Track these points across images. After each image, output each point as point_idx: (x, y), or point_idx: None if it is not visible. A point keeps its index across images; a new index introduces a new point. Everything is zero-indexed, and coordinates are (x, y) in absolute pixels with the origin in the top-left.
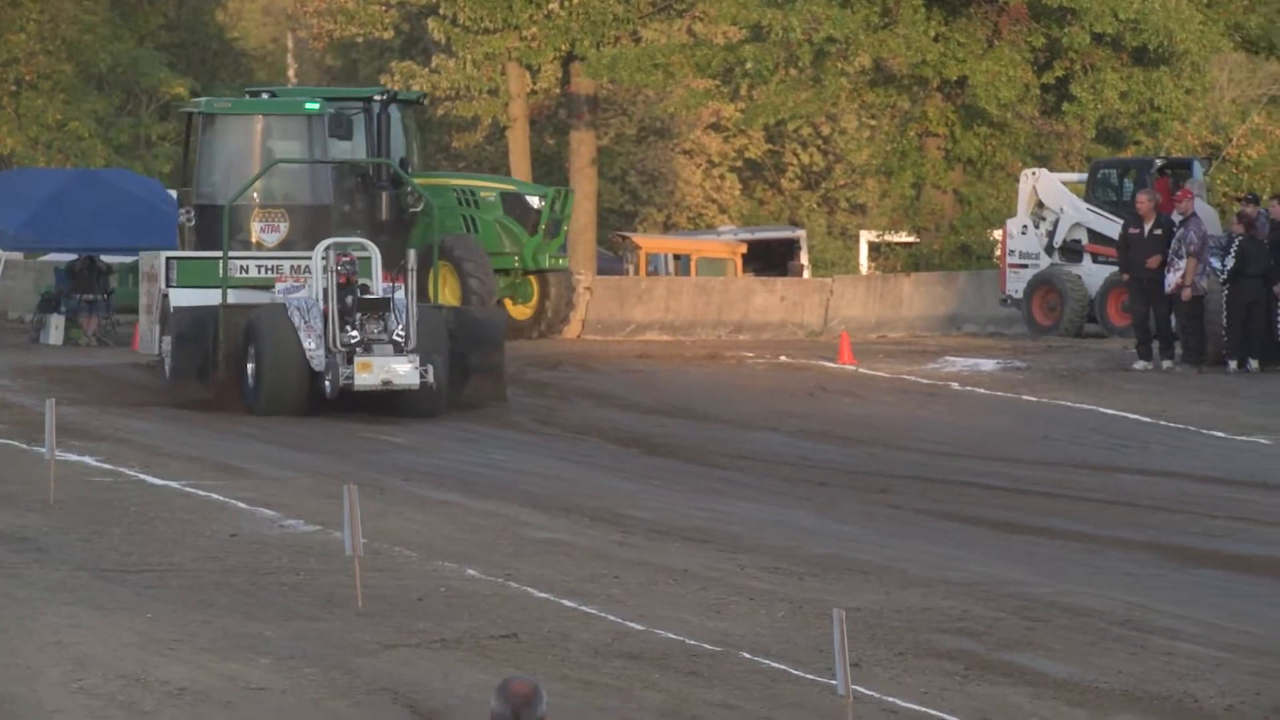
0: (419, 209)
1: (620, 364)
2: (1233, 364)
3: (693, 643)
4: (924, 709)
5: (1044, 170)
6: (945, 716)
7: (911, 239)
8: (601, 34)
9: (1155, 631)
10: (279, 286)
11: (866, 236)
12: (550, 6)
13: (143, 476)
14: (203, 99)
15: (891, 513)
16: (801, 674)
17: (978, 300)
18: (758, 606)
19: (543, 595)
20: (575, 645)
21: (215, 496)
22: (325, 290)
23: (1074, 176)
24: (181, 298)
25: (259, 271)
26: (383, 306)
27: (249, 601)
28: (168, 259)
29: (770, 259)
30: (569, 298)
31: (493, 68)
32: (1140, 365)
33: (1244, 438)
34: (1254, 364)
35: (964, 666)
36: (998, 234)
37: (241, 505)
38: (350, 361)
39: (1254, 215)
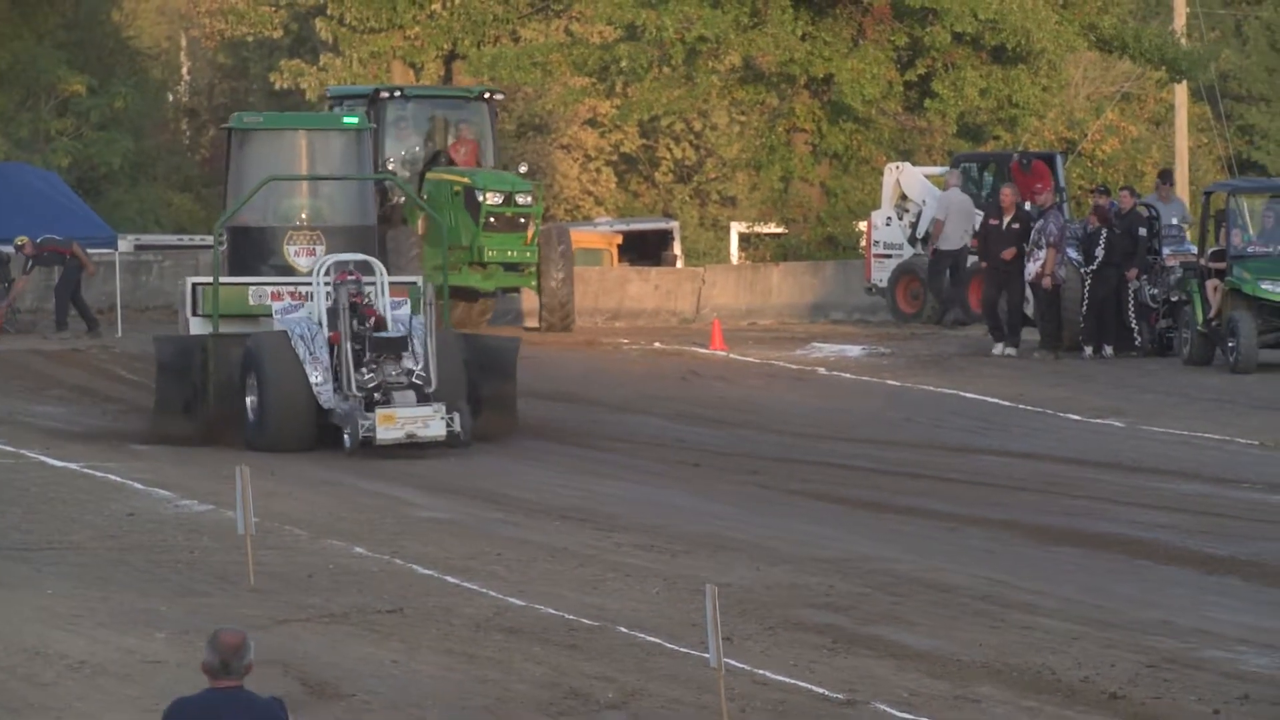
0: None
1: None
2: (1089, 350)
3: (571, 617)
4: (793, 680)
5: (907, 164)
6: (813, 688)
7: (780, 230)
8: (482, 34)
9: (1014, 606)
10: (275, 307)
11: (737, 228)
12: (433, 7)
13: (43, 458)
14: (236, 114)
15: (762, 492)
16: (675, 647)
17: (844, 289)
18: (633, 583)
19: (427, 572)
20: (458, 620)
21: (113, 478)
22: (333, 316)
23: (936, 170)
24: (199, 328)
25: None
26: (400, 346)
27: (145, 578)
28: (198, 285)
29: (645, 249)
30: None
31: (378, 66)
32: (999, 350)
33: (1099, 420)
34: (1109, 350)
35: (831, 640)
36: (863, 225)
37: (138, 486)
38: (368, 409)
39: (1105, 206)
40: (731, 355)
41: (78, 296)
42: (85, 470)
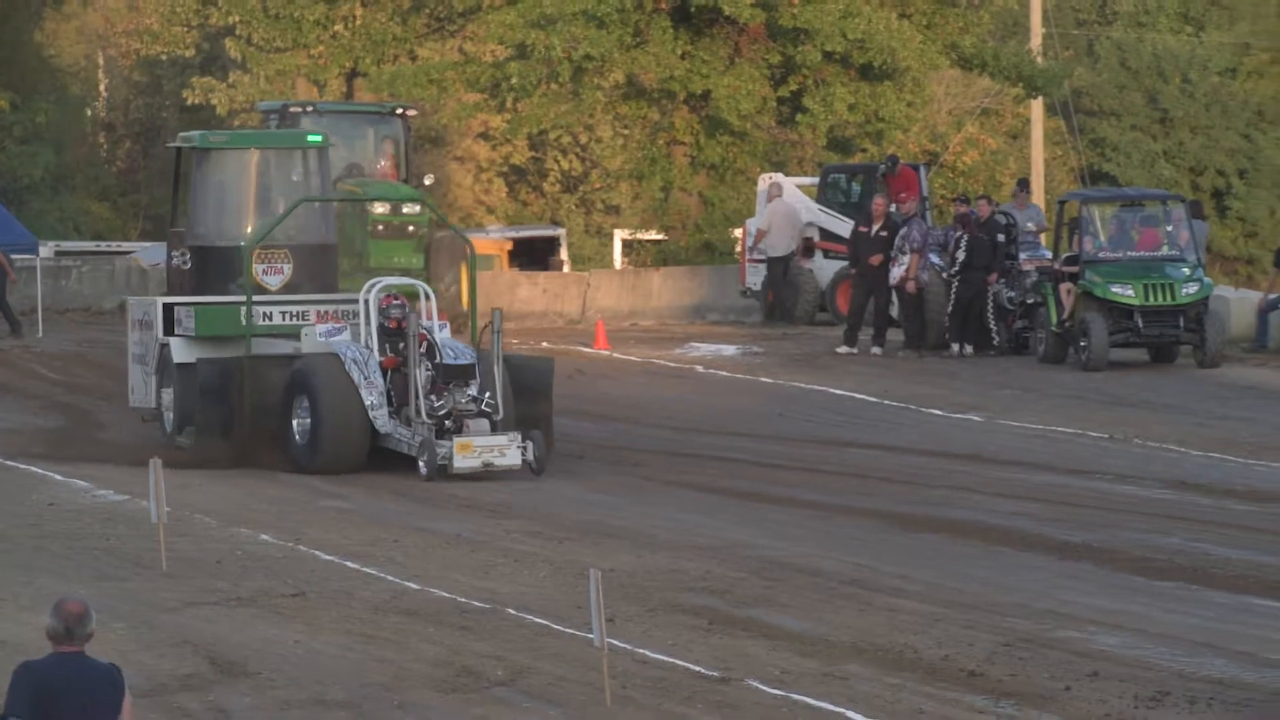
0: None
1: None
2: (955, 348)
3: (464, 600)
4: (672, 659)
5: (780, 175)
6: (691, 666)
7: (660, 237)
8: (382, 52)
9: (880, 590)
10: (319, 329)
11: (620, 234)
12: (336, 28)
13: None
14: (195, 133)
15: (643, 483)
16: (562, 628)
17: (720, 292)
18: (522, 568)
19: (329, 558)
20: (358, 603)
21: (35, 469)
22: (385, 343)
23: (807, 180)
24: (180, 349)
25: (284, 318)
26: (468, 373)
27: (65, 564)
28: (171, 305)
29: (533, 255)
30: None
31: (284, 83)
32: (843, 350)
33: (960, 415)
34: (969, 349)
35: (708, 621)
36: (738, 232)
37: (58, 477)
38: (439, 436)
39: (969, 214)
40: (615, 354)
41: (2, 300)
42: (8, 463)
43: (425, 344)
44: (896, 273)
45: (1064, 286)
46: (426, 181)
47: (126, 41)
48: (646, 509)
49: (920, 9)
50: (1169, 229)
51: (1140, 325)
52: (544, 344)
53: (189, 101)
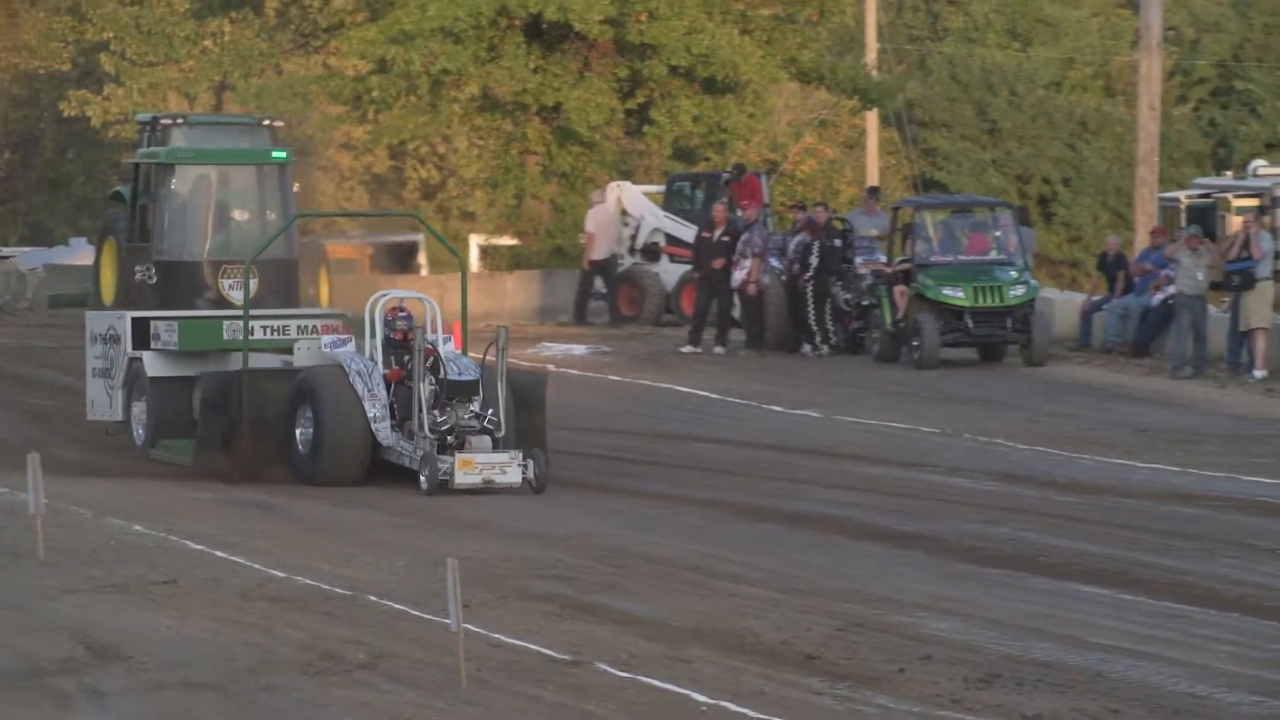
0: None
1: None
2: (808, 347)
3: (327, 587)
4: (524, 643)
5: (627, 183)
6: (542, 649)
7: (514, 242)
8: (249, 67)
9: (722, 576)
10: (324, 340)
11: (476, 240)
12: (205, 44)
13: None
14: (161, 149)
15: None
16: (420, 614)
17: (570, 294)
18: (382, 557)
19: (199, 547)
20: (226, 590)
21: None
22: (390, 355)
23: (653, 188)
24: (154, 363)
25: (264, 333)
26: (472, 389)
27: None
28: (143, 320)
29: (393, 260)
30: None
31: (156, 96)
32: (688, 349)
33: (799, 411)
34: (825, 348)
35: (558, 607)
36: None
37: None
38: (440, 451)
39: (802, 220)
40: (471, 354)
41: None
42: None
43: (431, 358)
44: (738, 276)
45: (898, 289)
46: (294, 189)
47: (5, 56)
48: (500, 501)
49: (761, 25)
50: (997, 234)
51: (970, 325)
52: None
53: (65, 113)
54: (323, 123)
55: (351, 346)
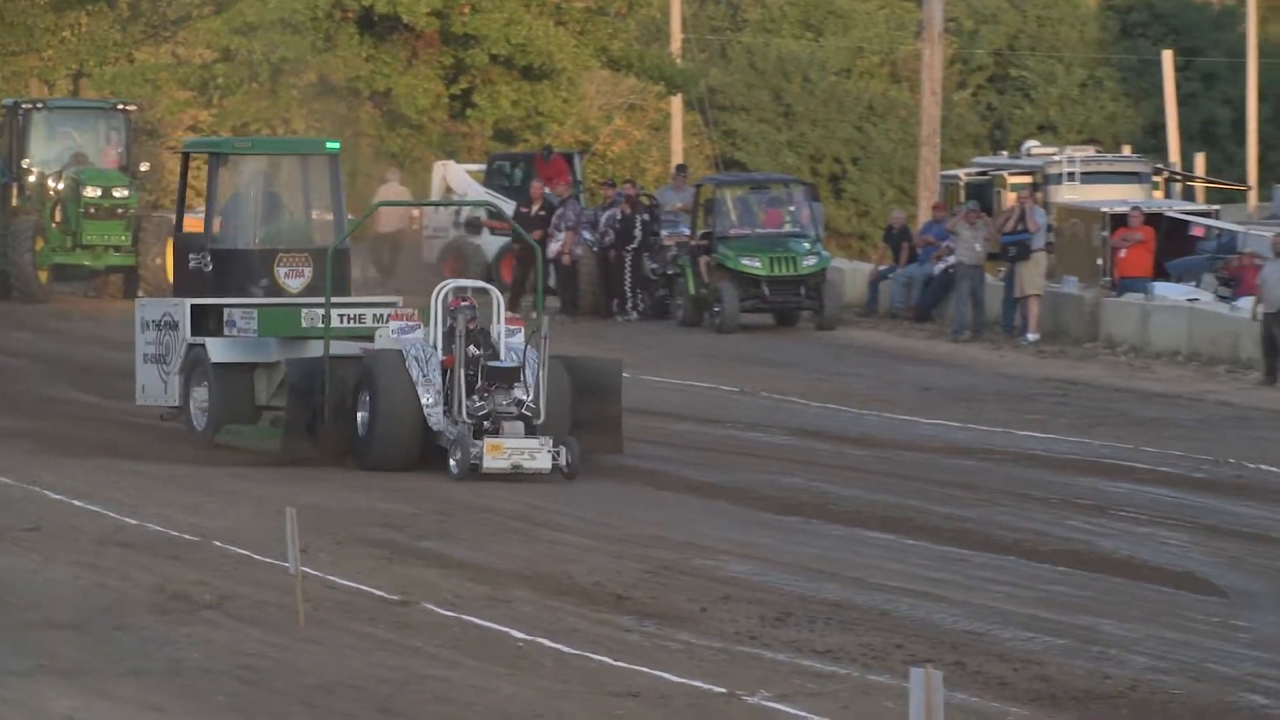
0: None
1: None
2: (624, 311)
3: (176, 534)
4: (358, 585)
5: (452, 162)
6: (375, 590)
7: (350, 217)
8: (104, 55)
9: (543, 525)
10: (392, 326)
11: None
12: (64, 34)
13: None
14: (216, 139)
15: None
16: (262, 558)
17: (401, 263)
18: (227, 505)
19: (58, 496)
20: (84, 536)
21: None
22: (451, 345)
23: (476, 167)
24: (218, 348)
25: (341, 321)
26: (513, 376)
27: None
28: (201, 306)
29: None
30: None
31: (19, 83)
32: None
33: None
34: (634, 314)
35: (389, 552)
36: (416, 213)
37: None
38: (477, 436)
39: (612, 197)
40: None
41: None
42: None
43: (488, 348)
44: (553, 248)
45: (701, 259)
46: (143, 168)
47: None
48: (338, 457)
49: (575, 17)
50: (791, 209)
51: (767, 293)
52: None
53: None
54: (171, 107)
55: (419, 333)
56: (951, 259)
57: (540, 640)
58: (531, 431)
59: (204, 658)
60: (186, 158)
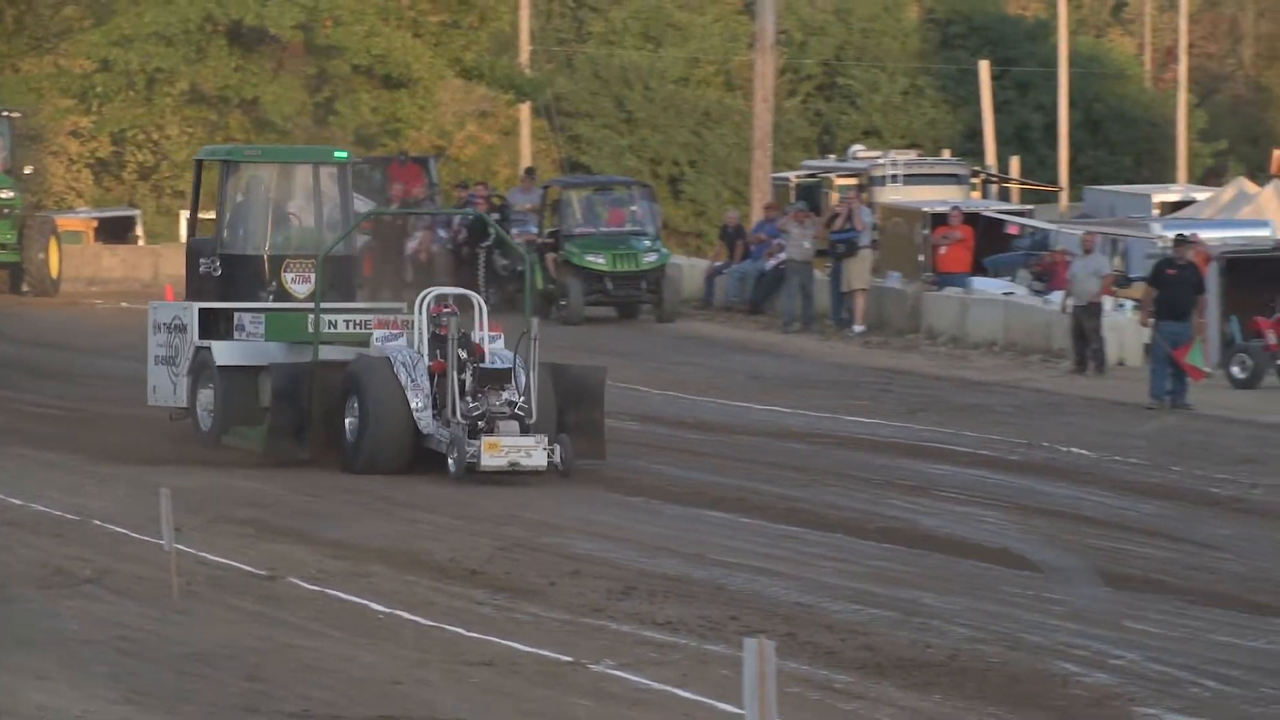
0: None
1: None
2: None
3: (58, 514)
4: (228, 561)
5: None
6: (243, 566)
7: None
8: None
9: (403, 505)
10: (377, 334)
11: (185, 215)
12: None
13: None
14: (224, 146)
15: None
16: (139, 536)
17: None
18: (106, 486)
19: None
20: None
21: None
22: (436, 349)
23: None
24: (224, 351)
25: (346, 326)
26: (504, 378)
27: None
28: (208, 310)
29: (115, 231)
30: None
31: None
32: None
33: None
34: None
35: (258, 530)
36: None
37: None
38: (472, 436)
39: (465, 199)
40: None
41: None
42: None
43: (480, 353)
44: (410, 245)
45: (548, 256)
46: (26, 171)
47: None
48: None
49: (430, 30)
50: (633, 209)
51: (610, 288)
52: (122, 304)
53: None
54: (54, 114)
55: (403, 341)
56: (783, 255)
57: (399, 613)
58: (526, 430)
59: (85, 629)
60: (199, 165)
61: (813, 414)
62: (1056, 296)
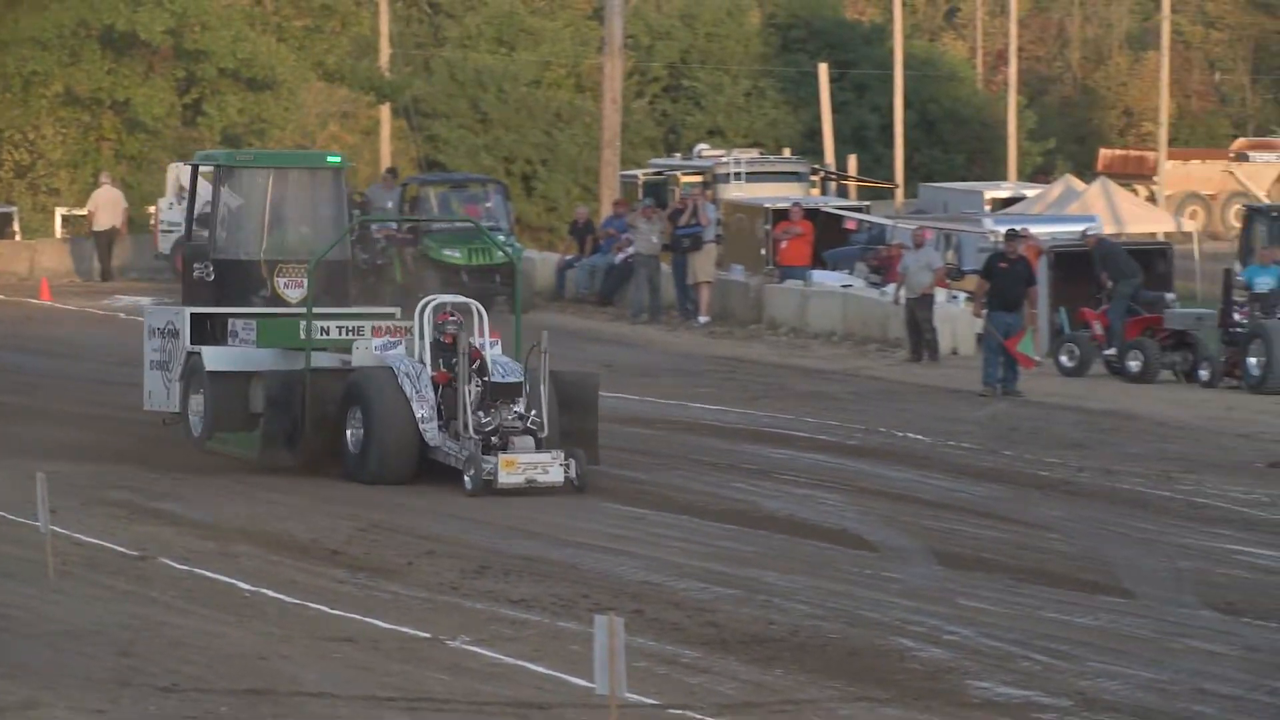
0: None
1: None
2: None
3: None
4: (101, 542)
5: (184, 164)
6: (116, 546)
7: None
8: None
9: (266, 487)
10: (374, 342)
11: (60, 211)
12: None
13: None
14: (220, 151)
15: (87, 408)
16: (15, 518)
17: (139, 255)
18: None
19: None
20: None
21: None
22: (438, 357)
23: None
24: (213, 357)
25: (339, 333)
26: (515, 391)
27: None
28: (201, 315)
29: None
30: None
31: None
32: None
33: None
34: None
35: (129, 512)
36: (153, 209)
37: None
38: (485, 451)
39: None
40: (55, 304)
41: None
42: None
43: (478, 361)
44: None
45: (407, 250)
46: None
47: None
48: (81, 428)
49: (294, 34)
50: (488, 205)
51: (466, 280)
52: (0, 296)
53: None
54: None
55: (402, 349)
56: (631, 250)
57: (264, 591)
58: (539, 445)
59: None
60: (195, 169)
61: (660, 401)
62: (892, 289)
